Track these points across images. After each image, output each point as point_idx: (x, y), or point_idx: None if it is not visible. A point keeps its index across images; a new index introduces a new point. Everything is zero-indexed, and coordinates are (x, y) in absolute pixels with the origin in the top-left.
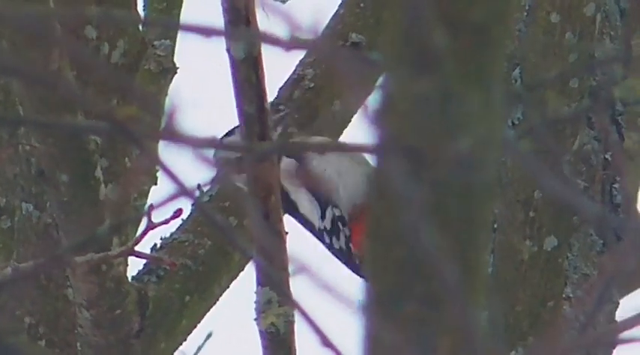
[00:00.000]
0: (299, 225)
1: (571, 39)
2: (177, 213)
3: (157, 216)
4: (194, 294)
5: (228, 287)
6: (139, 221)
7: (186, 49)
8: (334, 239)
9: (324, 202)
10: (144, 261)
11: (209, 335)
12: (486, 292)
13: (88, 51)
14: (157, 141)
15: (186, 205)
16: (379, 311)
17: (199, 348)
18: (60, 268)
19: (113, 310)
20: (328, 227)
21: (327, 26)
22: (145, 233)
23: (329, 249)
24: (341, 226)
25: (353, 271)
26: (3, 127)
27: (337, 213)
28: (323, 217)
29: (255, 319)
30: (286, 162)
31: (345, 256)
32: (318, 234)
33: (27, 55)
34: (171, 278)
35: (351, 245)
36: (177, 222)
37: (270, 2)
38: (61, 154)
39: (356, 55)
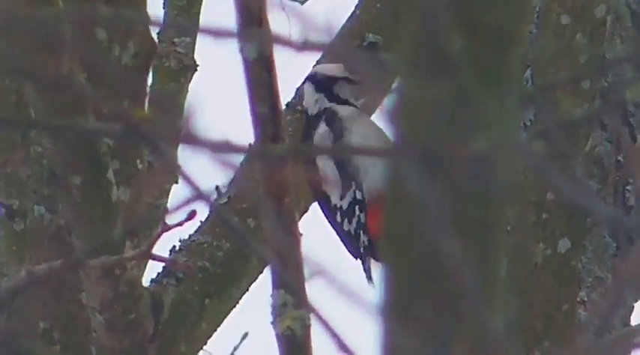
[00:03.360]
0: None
1: (582, 40)
2: (191, 215)
3: (173, 219)
4: (213, 297)
5: (247, 289)
6: (155, 223)
7: (204, 49)
8: (346, 221)
9: (348, 180)
10: (163, 264)
11: (245, 336)
12: (503, 295)
13: (99, 52)
14: (173, 144)
15: (202, 207)
16: (395, 314)
17: (235, 348)
18: (74, 271)
19: (127, 314)
20: (344, 207)
21: (344, 26)
22: (159, 235)
23: (334, 227)
24: (357, 211)
25: (353, 256)
26: (15, 130)
27: (359, 197)
28: (343, 196)
29: (272, 322)
30: (323, 131)
31: (350, 240)
32: (331, 210)
33: (38, 58)
34: (190, 280)
35: (366, 229)
36: (196, 224)
37: (287, 3)
38: (73, 157)
39: (371, 56)
